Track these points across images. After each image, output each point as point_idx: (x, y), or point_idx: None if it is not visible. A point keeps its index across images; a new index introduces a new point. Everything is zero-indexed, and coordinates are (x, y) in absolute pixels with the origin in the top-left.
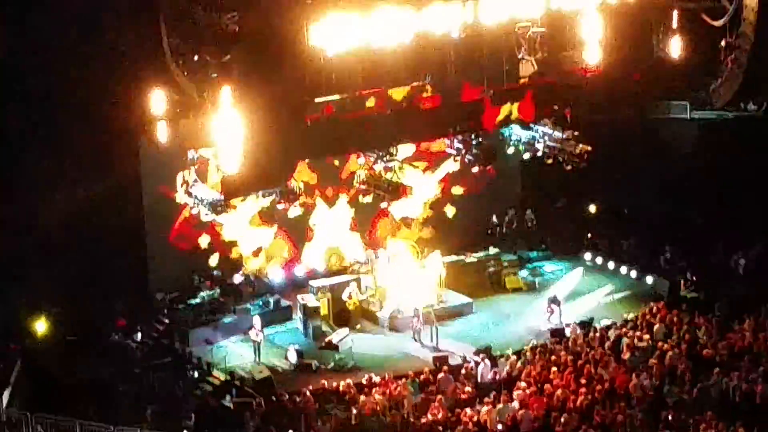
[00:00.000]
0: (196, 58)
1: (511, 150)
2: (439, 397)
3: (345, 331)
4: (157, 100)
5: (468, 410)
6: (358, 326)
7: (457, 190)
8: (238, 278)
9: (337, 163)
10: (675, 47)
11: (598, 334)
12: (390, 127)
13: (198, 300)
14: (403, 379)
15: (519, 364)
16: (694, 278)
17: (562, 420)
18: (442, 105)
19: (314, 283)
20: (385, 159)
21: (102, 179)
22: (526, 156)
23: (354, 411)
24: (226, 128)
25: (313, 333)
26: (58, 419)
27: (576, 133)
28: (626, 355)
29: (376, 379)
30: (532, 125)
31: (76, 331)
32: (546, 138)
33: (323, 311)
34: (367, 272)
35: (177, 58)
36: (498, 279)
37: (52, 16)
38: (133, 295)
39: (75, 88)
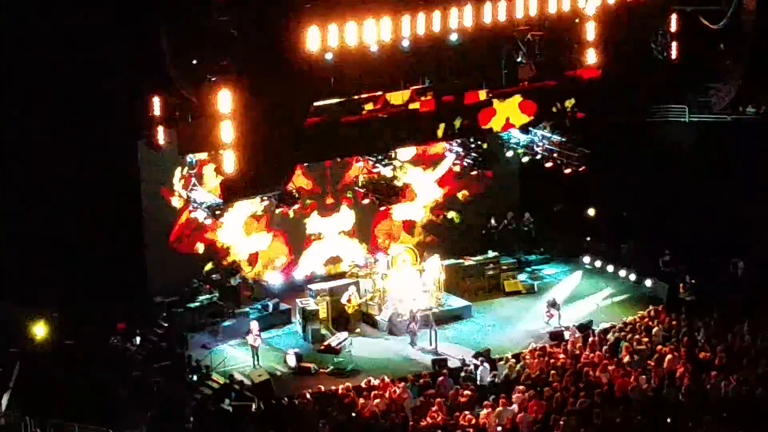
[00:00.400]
0: (194, 61)
1: (509, 153)
2: (438, 400)
3: (344, 334)
4: (156, 104)
5: (467, 413)
6: (357, 330)
7: (462, 194)
8: (235, 281)
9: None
10: (673, 50)
11: (597, 338)
12: (389, 130)
13: (197, 304)
14: (402, 383)
15: (518, 367)
16: (693, 281)
17: (561, 423)
18: (440, 108)
19: (313, 287)
20: (383, 163)
21: (101, 183)
22: (525, 159)
23: (353, 414)
24: (225, 132)
25: (312, 336)
26: (58, 423)
27: (575, 137)
28: (625, 358)
29: (375, 382)
30: (530, 129)
31: (75, 335)
32: (545, 141)
33: (322, 315)
34: (366, 276)
35: (175, 61)
36: (497, 282)
37: (50, 19)
38: (132, 299)
39: (73, 91)
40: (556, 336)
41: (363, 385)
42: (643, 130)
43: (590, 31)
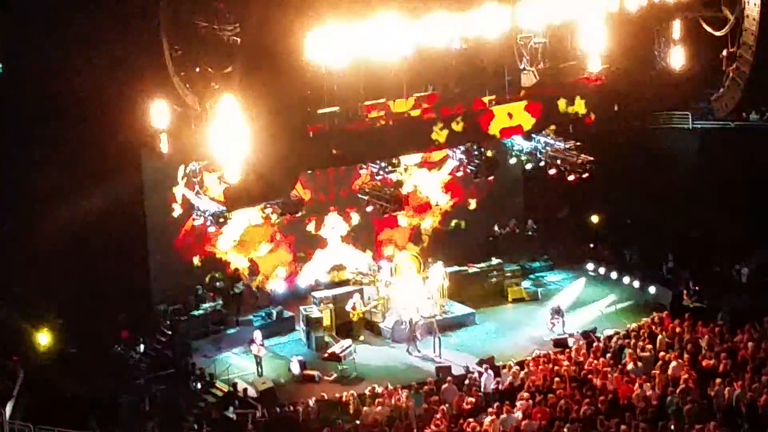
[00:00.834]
0: (197, 69)
1: (513, 160)
2: (442, 407)
3: (348, 342)
4: (159, 112)
5: (471, 421)
6: (361, 337)
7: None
8: (238, 289)
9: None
10: (677, 57)
11: (601, 344)
12: (392, 138)
13: (200, 311)
14: (406, 390)
15: (522, 374)
16: (697, 288)
17: (565, 430)
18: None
19: (317, 294)
20: (387, 170)
21: (104, 191)
22: (529, 166)
23: (357, 422)
24: (228, 139)
25: (316, 344)
26: (61, 431)
27: (578, 144)
28: (629, 365)
29: (379, 389)
30: (533, 135)
31: (79, 343)
32: (548, 148)
33: (326, 322)
34: (370, 283)
35: (178, 69)
36: (501, 289)
37: (54, 28)
38: (136, 307)
39: (77, 100)
40: (560, 343)
41: (367, 392)
42: (647, 137)
43: (594, 39)
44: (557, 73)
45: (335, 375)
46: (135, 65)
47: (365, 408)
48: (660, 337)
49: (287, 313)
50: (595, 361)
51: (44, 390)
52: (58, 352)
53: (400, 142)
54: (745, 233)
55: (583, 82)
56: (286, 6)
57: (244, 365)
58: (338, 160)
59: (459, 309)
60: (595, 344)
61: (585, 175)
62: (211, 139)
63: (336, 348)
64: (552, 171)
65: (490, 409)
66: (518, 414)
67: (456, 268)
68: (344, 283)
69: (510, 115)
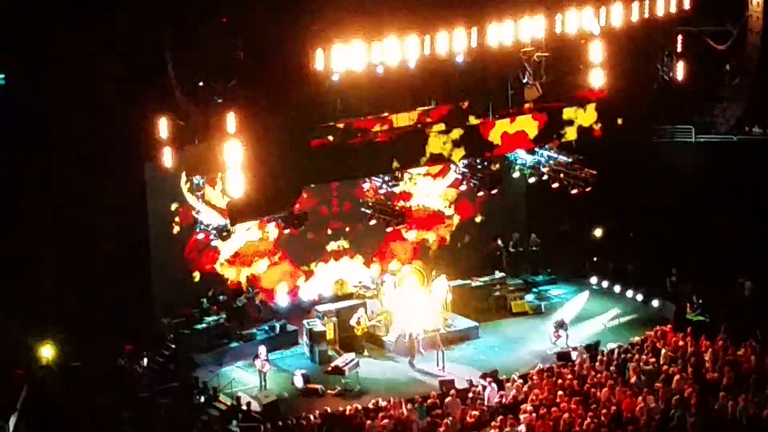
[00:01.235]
0: (201, 84)
1: (516, 174)
2: (445, 421)
3: (351, 355)
4: (163, 126)
5: None
6: (365, 351)
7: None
8: (240, 302)
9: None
10: (679, 71)
11: (604, 358)
12: (395, 151)
13: (204, 325)
14: (410, 404)
15: (525, 387)
16: (700, 301)
17: None
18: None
19: (320, 308)
20: (390, 184)
21: (107, 204)
22: (532, 180)
23: None
24: (232, 154)
25: (320, 357)
26: None
27: (581, 157)
28: (632, 379)
29: (383, 403)
30: (536, 150)
31: (82, 357)
32: (551, 162)
33: (329, 336)
34: (373, 297)
35: (182, 84)
36: (504, 303)
37: (58, 42)
38: (139, 321)
39: (81, 114)
40: (564, 356)
41: (371, 406)
42: (650, 151)
43: (596, 52)
44: (560, 87)
45: (339, 388)
46: (138, 78)
47: (369, 422)
48: (663, 350)
49: (291, 327)
50: (599, 375)
51: (48, 403)
52: (61, 366)
53: (403, 156)
54: (748, 247)
55: (586, 96)
56: (289, 20)
57: (247, 379)
58: (341, 174)
59: (462, 322)
60: (598, 358)
61: (588, 189)
62: (214, 153)
63: (339, 361)
64: (555, 185)
65: (493, 423)
66: (522, 428)
67: (459, 281)
68: (347, 296)
69: (512, 120)
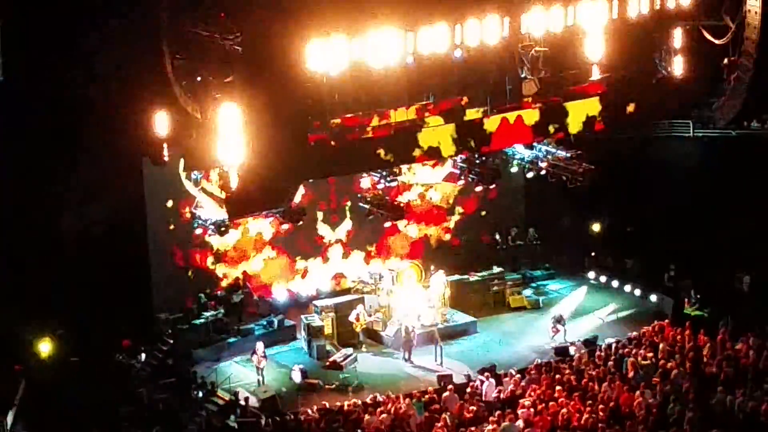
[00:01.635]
0: (198, 79)
1: (514, 169)
2: (443, 416)
3: (349, 350)
4: (161, 122)
5: (473, 429)
6: (363, 346)
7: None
8: (237, 297)
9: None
10: (678, 66)
11: (602, 353)
12: (392, 147)
13: (202, 320)
14: (408, 399)
15: (523, 382)
16: (699, 296)
17: None
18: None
19: (318, 303)
20: (388, 179)
21: (105, 200)
22: (530, 175)
23: (359, 430)
24: (230, 148)
25: (318, 352)
26: None
27: (579, 152)
28: (630, 374)
29: (381, 398)
30: (534, 144)
31: (80, 352)
32: (549, 157)
33: (327, 331)
34: (371, 292)
35: (180, 79)
36: (502, 298)
37: (55, 38)
38: (137, 316)
39: (78, 110)
40: (562, 351)
41: (369, 401)
42: (648, 145)
43: (595, 47)
44: (558, 82)
45: (337, 383)
46: (136, 74)
47: (367, 416)
48: (661, 345)
49: (289, 322)
50: (597, 370)
51: (46, 399)
52: (59, 361)
53: (401, 151)
54: (746, 241)
55: (585, 91)
56: (287, 16)
57: (245, 374)
58: (339, 169)
59: (460, 317)
60: (596, 353)
61: (586, 184)
62: (212, 148)
63: (337, 356)
64: (553, 180)
65: (491, 418)
66: (520, 422)
67: (457, 276)
68: (346, 291)
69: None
